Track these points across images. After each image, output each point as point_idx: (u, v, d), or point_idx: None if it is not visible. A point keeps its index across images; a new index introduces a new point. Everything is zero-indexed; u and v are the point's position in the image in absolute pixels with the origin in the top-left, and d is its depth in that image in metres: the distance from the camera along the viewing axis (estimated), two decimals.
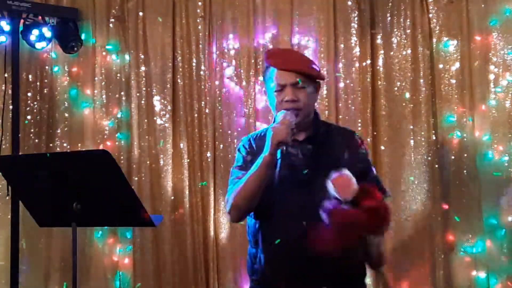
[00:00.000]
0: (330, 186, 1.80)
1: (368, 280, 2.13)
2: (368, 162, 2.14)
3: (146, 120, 3.79)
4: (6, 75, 3.71)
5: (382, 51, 3.70)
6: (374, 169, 2.15)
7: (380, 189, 2.00)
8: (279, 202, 1.98)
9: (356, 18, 3.69)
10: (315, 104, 2.18)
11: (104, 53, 3.85)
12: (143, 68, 3.82)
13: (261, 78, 3.76)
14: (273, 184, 1.99)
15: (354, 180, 1.80)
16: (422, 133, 3.61)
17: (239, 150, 2.17)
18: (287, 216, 1.97)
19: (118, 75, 3.86)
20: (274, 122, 2.06)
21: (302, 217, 1.94)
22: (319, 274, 1.95)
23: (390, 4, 3.70)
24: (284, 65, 2.04)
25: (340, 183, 1.79)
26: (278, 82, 2.03)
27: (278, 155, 2.00)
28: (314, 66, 2.15)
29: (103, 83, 3.85)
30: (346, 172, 1.81)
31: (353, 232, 1.75)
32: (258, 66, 3.76)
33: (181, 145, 3.79)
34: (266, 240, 2.03)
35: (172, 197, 3.77)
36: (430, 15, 3.65)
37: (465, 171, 3.54)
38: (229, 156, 3.75)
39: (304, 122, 2.05)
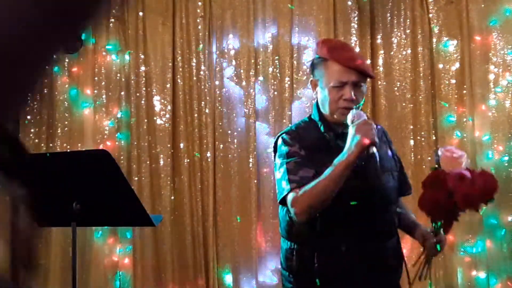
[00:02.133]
0: (439, 157, 1.88)
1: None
2: (398, 155, 2.19)
3: (146, 120, 3.79)
4: None
5: (382, 51, 3.70)
6: None
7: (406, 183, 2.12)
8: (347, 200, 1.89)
9: (356, 18, 3.69)
10: None
11: (104, 53, 3.86)
12: (143, 68, 3.82)
13: (261, 78, 3.76)
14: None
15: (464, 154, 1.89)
16: (422, 133, 3.61)
17: (285, 143, 2.00)
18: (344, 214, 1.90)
19: (118, 75, 3.86)
20: (319, 116, 2.01)
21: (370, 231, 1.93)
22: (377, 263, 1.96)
23: (390, 4, 3.70)
24: (349, 62, 1.95)
25: (452, 153, 1.90)
26: (340, 78, 1.94)
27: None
28: (369, 65, 2.14)
29: (103, 83, 3.85)
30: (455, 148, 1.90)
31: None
32: (258, 66, 3.76)
33: (181, 145, 3.79)
34: (325, 249, 1.94)
35: (172, 197, 3.77)
36: (430, 15, 3.65)
37: None
38: (229, 156, 3.75)
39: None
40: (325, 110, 2.00)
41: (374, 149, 1.78)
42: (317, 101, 2.05)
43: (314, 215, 1.89)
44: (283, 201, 1.95)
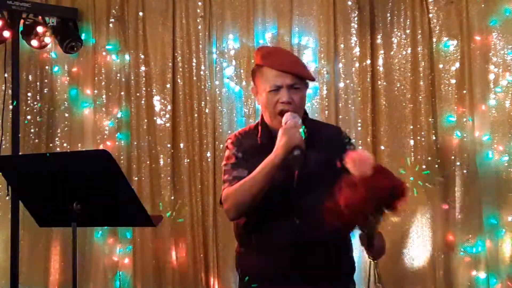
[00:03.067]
0: (347, 163, 1.77)
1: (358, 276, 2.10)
2: None
3: (146, 120, 3.79)
4: (6, 75, 3.71)
5: (382, 51, 3.69)
6: None
7: None
8: (270, 199, 1.96)
9: (356, 18, 3.69)
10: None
11: (104, 53, 3.86)
12: (143, 68, 3.82)
13: None
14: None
15: (370, 156, 1.79)
16: (422, 133, 3.60)
17: (227, 147, 2.14)
18: (279, 215, 1.97)
19: (118, 75, 3.86)
20: (261, 121, 2.09)
21: (294, 215, 1.95)
22: (307, 272, 1.96)
23: (390, 4, 3.69)
24: (282, 66, 2.02)
25: (357, 158, 1.76)
26: (274, 83, 2.01)
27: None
28: (307, 68, 2.16)
29: (103, 83, 3.86)
30: (362, 150, 1.83)
31: (370, 205, 1.72)
32: None
33: (181, 145, 3.79)
34: (258, 237, 2.03)
35: (172, 197, 3.77)
36: (430, 15, 3.64)
37: (465, 171, 3.53)
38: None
39: None
40: (266, 116, 2.08)
41: (298, 152, 1.86)
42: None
43: (242, 213, 2.00)
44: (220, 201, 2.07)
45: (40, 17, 3.70)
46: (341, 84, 3.69)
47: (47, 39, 3.68)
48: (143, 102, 3.80)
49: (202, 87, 3.80)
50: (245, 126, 3.69)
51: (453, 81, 3.61)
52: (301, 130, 1.90)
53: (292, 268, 1.97)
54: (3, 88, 3.74)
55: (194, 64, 3.81)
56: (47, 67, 3.88)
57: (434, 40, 3.64)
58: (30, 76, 3.85)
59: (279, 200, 1.97)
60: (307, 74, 2.09)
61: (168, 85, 3.80)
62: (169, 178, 3.76)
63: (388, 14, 3.70)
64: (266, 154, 1.96)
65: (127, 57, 3.85)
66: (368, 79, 3.66)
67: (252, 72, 2.15)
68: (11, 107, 3.66)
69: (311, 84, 3.59)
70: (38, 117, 3.85)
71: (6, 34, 3.57)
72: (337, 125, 2.35)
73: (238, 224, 2.11)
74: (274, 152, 1.91)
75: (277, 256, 1.99)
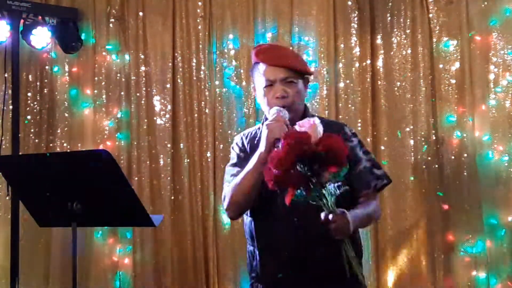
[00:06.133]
0: (296, 128, 1.78)
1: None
2: (356, 155, 2.03)
3: (146, 120, 3.79)
4: (6, 75, 3.71)
5: (382, 51, 3.70)
6: (368, 160, 2.05)
7: (376, 177, 2.00)
8: (271, 200, 1.95)
9: (356, 18, 3.69)
10: (304, 99, 2.12)
11: (104, 53, 3.86)
12: (143, 68, 3.82)
13: None
14: (264, 182, 1.91)
15: (320, 126, 1.75)
16: (422, 133, 3.61)
17: (232, 148, 2.17)
18: (279, 213, 1.96)
19: (118, 75, 3.86)
20: (265, 119, 2.06)
21: (293, 214, 1.94)
22: (308, 274, 1.96)
23: (390, 4, 3.70)
24: (274, 60, 2.02)
25: (307, 125, 1.76)
26: (268, 77, 2.01)
27: None
28: (302, 61, 2.15)
29: (103, 83, 3.85)
30: (315, 119, 1.79)
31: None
32: None
33: (181, 145, 3.79)
34: (260, 237, 2.04)
35: (172, 197, 3.77)
36: (430, 15, 3.64)
37: (465, 171, 3.53)
38: (229, 156, 3.74)
39: (295, 117, 2.02)
40: (265, 112, 2.07)
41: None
42: None
43: (239, 211, 2.02)
44: None
45: (40, 17, 3.70)
46: (341, 84, 3.70)
47: (47, 39, 3.68)
48: (143, 102, 3.80)
49: (202, 87, 3.80)
50: (244, 126, 3.74)
51: (453, 81, 3.61)
52: (285, 124, 1.89)
53: (293, 268, 1.97)
54: (3, 88, 3.73)
55: (194, 64, 3.81)
56: (47, 67, 3.88)
57: (434, 40, 3.64)
58: (30, 76, 3.85)
59: (276, 199, 1.93)
60: (301, 66, 2.07)
61: (168, 85, 3.80)
62: (169, 178, 3.76)
63: (388, 14, 3.70)
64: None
65: (127, 57, 3.85)
66: (368, 79, 3.67)
67: (250, 71, 2.16)
68: (11, 107, 3.66)
69: (316, 85, 3.66)
70: (38, 117, 3.85)
71: (6, 34, 3.57)
72: (342, 122, 2.31)
73: (244, 223, 2.13)
74: (260, 147, 1.92)
75: (278, 256, 1.98)
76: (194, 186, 3.77)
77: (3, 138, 3.64)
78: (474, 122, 3.56)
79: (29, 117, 3.84)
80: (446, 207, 3.58)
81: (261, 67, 2.05)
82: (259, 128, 2.13)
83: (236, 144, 2.16)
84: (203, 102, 3.79)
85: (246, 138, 2.16)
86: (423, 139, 3.60)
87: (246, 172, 1.95)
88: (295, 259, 1.96)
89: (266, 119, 2.06)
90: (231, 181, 2.03)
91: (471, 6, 3.59)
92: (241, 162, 2.06)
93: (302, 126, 1.77)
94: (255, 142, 2.08)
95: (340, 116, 3.66)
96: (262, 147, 1.91)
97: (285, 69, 2.01)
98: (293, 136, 1.68)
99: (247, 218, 2.11)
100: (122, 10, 3.87)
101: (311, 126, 1.75)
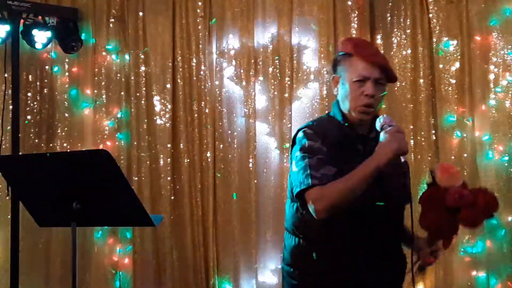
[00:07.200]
0: (437, 172, 1.86)
1: None
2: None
3: (146, 120, 3.79)
4: (6, 75, 3.71)
5: (382, 51, 3.69)
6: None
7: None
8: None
9: (356, 18, 3.69)
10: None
11: (104, 53, 3.86)
12: (143, 68, 3.82)
13: (261, 78, 3.76)
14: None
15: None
16: (422, 133, 3.61)
17: (308, 138, 1.96)
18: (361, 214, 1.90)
19: (118, 75, 3.86)
20: (340, 112, 1.99)
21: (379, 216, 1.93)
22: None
23: (390, 4, 3.70)
24: (373, 58, 1.96)
25: (449, 170, 1.87)
26: (363, 73, 1.93)
27: None
28: (392, 66, 2.14)
29: (103, 83, 3.86)
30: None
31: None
32: (258, 66, 3.76)
33: (181, 145, 3.79)
34: (339, 240, 1.95)
35: (172, 197, 3.77)
36: (430, 15, 3.65)
37: (465, 171, 3.53)
38: (229, 156, 3.75)
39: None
40: (345, 107, 1.99)
41: (404, 158, 1.83)
42: (337, 99, 2.04)
43: (334, 214, 1.88)
44: (299, 195, 1.93)
45: (40, 17, 3.70)
46: None
47: (47, 39, 3.68)
48: (143, 102, 3.80)
49: (202, 87, 3.80)
50: (244, 126, 3.74)
51: (453, 81, 3.61)
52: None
53: (369, 269, 1.94)
54: (3, 88, 3.73)
55: (194, 64, 3.81)
56: (47, 67, 3.88)
57: (434, 40, 3.64)
58: (30, 76, 3.85)
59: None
60: (394, 73, 2.03)
61: (168, 85, 3.80)
62: (169, 178, 3.76)
63: (388, 14, 3.70)
64: (354, 150, 1.94)
65: (127, 57, 3.85)
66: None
67: (334, 61, 2.08)
68: (11, 107, 3.66)
69: (316, 85, 3.66)
70: (38, 117, 3.85)
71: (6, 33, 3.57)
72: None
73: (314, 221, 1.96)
74: (379, 155, 1.81)
75: (348, 270, 1.94)
76: (194, 186, 3.77)
77: (3, 138, 3.64)
78: (474, 122, 3.57)
79: (29, 117, 3.84)
80: None
81: (357, 61, 1.96)
82: (327, 120, 2.04)
83: (316, 134, 1.96)
84: (203, 102, 3.79)
85: (323, 129, 2.00)
86: (423, 139, 3.60)
87: (359, 179, 1.83)
88: (372, 261, 1.94)
89: (342, 112, 2.00)
90: (322, 179, 1.88)
91: (471, 6, 3.59)
92: (329, 158, 1.91)
93: (444, 170, 1.89)
94: (334, 134, 1.97)
95: None
96: (384, 158, 1.80)
97: (380, 69, 1.95)
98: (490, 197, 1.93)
99: (297, 212, 2.01)
100: (122, 10, 3.87)
101: (453, 168, 1.91)
